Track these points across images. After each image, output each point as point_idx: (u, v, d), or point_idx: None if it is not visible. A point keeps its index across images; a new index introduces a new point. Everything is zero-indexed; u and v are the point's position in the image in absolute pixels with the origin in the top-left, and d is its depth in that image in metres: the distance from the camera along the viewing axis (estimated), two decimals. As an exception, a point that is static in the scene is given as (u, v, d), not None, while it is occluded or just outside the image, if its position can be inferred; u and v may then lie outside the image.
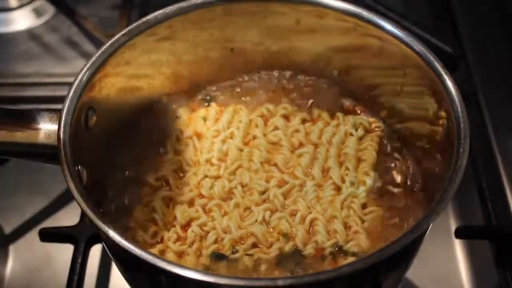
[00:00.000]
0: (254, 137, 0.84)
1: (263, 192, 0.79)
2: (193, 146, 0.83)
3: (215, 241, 0.75)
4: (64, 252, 0.89)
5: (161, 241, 0.75)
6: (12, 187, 1.00)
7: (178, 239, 0.75)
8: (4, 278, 0.92)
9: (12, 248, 0.95)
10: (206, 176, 0.80)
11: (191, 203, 0.78)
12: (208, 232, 0.75)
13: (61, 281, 0.86)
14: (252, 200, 0.78)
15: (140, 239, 0.75)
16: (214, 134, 0.84)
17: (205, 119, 0.85)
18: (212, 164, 0.81)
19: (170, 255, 0.74)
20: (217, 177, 0.80)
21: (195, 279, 0.61)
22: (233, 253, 0.74)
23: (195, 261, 0.73)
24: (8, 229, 0.97)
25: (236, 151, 0.82)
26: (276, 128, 0.84)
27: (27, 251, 0.94)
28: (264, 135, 0.84)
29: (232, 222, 0.76)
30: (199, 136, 0.84)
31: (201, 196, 0.78)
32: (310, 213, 0.77)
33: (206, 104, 0.88)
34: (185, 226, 0.76)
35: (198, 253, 0.74)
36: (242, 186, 0.79)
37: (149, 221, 0.77)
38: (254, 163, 0.81)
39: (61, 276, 0.87)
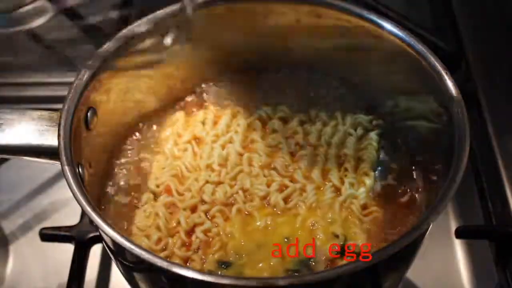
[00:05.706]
0: (253, 141, 0.83)
1: (264, 197, 0.78)
2: (192, 151, 0.82)
3: (220, 248, 0.74)
4: (64, 252, 0.89)
5: (166, 247, 0.75)
6: (12, 187, 1.00)
7: (183, 244, 0.75)
8: (4, 278, 0.92)
9: (12, 248, 0.95)
10: (207, 182, 0.79)
11: (193, 209, 0.78)
12: (212, 238, 0.75)
13: (61, 281, 0.86)
14: (253, 206, 0.77)
15: (145, 245, 0.74)
16: (213, 139, 0.83)
17: (203, 122, 0.85)
18: (213, 170, 0.80)
19: (176, 261, 0.73)
20: (219, 183, 0.79)
21: (196, 279, 0.60)
22: (237, 258, 0.73)
23: (200, 267, 0.73)
24: (8, 229, 0.97)
25: (236, 156, 0.81)
26: (275, 131, 0.84)
27: (27, 251, 0.94)
28: (263, 138, 0.83)
29: (235, 228, 0.75)
30: (198, 140, 0.84)
31: (203, 201, 0.78)
32: (310, 216, 0.76)
33: (204, 106, 0.87)
34: (189, 232, 0.76)
35: (203, 258, 0.74)
36: (244, 191, 0.79)
37: (152, 227, 0.76)
38: (254, 167, 0.80)
39: (61, 276, 0.87)
